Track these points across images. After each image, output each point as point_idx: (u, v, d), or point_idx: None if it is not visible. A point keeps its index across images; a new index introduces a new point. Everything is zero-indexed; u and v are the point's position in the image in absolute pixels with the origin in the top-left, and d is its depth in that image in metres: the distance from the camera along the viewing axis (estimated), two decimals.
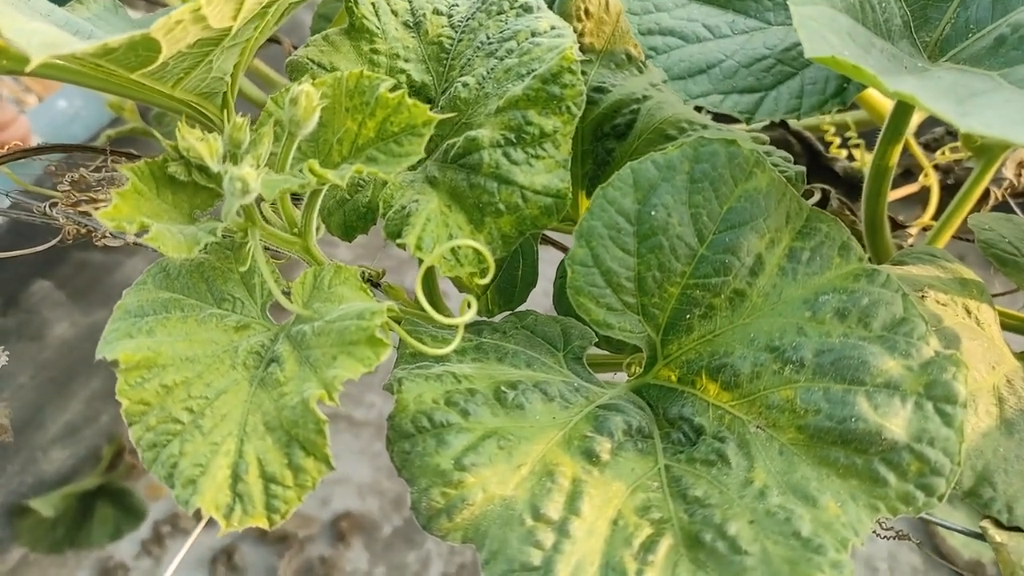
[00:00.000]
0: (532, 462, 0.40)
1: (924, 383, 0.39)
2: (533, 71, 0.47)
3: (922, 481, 0.38)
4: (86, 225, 0.61)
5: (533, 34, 0.49)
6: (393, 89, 0.43)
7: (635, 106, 0.60)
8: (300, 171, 0.42)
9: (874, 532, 0.56)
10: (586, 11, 0.64)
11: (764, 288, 0.44)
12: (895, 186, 0.92)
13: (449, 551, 1.22)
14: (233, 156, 0.42)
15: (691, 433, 0.43)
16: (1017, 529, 0.43)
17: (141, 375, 0.40)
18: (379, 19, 0.54)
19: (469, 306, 0.42)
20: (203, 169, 0.42)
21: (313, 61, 0.53)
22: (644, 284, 0.45)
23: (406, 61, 0.53)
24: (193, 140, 0.41)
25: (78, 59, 0.43)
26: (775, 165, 0.53)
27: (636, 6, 0.51)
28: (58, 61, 0.49)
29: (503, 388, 0.43)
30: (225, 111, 0.57)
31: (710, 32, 0.48)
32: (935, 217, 0.85)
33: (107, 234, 0.60)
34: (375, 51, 0.53)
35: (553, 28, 0.49)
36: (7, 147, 0.80)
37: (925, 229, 0.81)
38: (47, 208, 0.60)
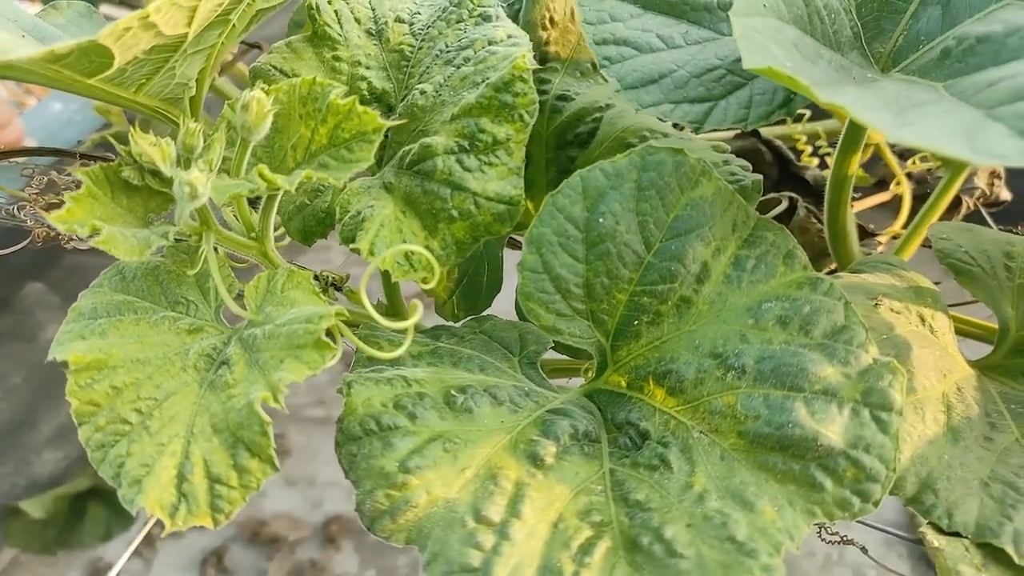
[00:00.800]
0: (477, 465, 0.41)
1: (861, 390, 0.40)
2: (487, 79, 0.48)
3: (858, 487, 0.39)
4: (53, 228, 0.61)
5: (490, 43, 0.50)
6: (346, 96, 0.43)
7: (598, 114, 0.61)
8: (252, 176, 0.43)
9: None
10: (551, 20, 0.64)
11: (710, 295, 0.45)
12: (869, 194, 0.93)
13: None
14: (186, 161, 0.43)
15: (637, 438, 0.44)
16: (956, 535, 0.43)
17: (91, 376, 0.41)
18: (341, 26, 0.55)
19: (416, 310, 0.42)
20: (156, 173, 0.43)
21: (276, 68, 0.54)
22: (593, 290, 0.46)
23: (367, 68, 0.54)
24: (146, 145, 0.41)
25: (36, 64, 0.44)
26: (732, 174, 0.54)
27: (592, 15, 0.52)
28: (22, 65, 0.50)
29: (453, 392, 0.44)
30: (191, 116, 0.57)
31: (663, 42, 0.49)
32: (906, 226, 0.86)
33: (73, 237, 0.60)
34: (337, 58, 0.54)
35: (510, 37, 0.50)
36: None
37: (895, 237, 0.82)
38: (15, 210, 0.61)
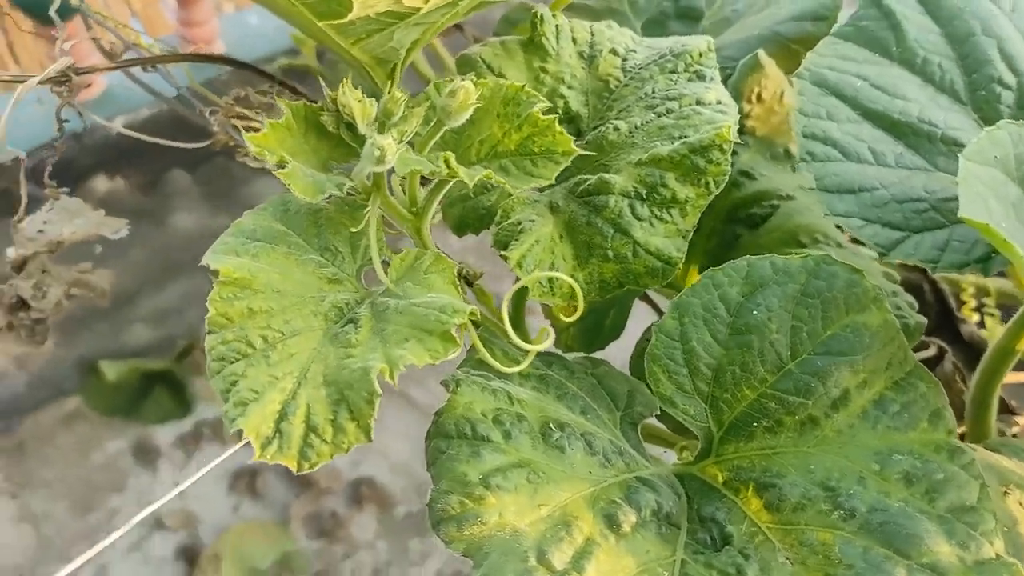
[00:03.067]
0: (554, 506, 0.40)
1: None
2: (685, 137, 0.47)
3: None
4: (235, 140, 0.65)
5: (698, 102, 0.49)
6: (547, 112, 0.43)
7: (776, 202, 0.59)
8: (436, 158, 0.44)
9: None
10: (759, 96, 0.63)
11: (840, 424, 0.43)
12: (1019, 369, 0.87)
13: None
14: (381, 124, 0.44)
15: (718, 538, 0.42)
16: None
17: (234, 292, 0.42)
18: (558, 41, 0.56)
19: (546, 336, 0.42)
20: (351, 127, 0.44)
21: (484, 61, 0.55)
22: (722, 377, 0.44)
23: (569, 88, 0.54)
24: (352, 99, 0.43)
25: None
26: (897, 308, 0.51)
27: (809, 107, 0.51)
28: None
29: (551, 425, 0.43)
30: (391, 80, 0.59)
31: (873, 156, 0.47)
32: None
33: (249, 154, 0.63)
34: (544, 70, 0.55)
35: (719, 103, 0.49)
36: (194, 46, 0.86)
37: None
38: (208, 113, 0.65)
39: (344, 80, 0.43)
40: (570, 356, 0.55)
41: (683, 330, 0.45)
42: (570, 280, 0.43)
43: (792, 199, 0.60)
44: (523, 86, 0.43)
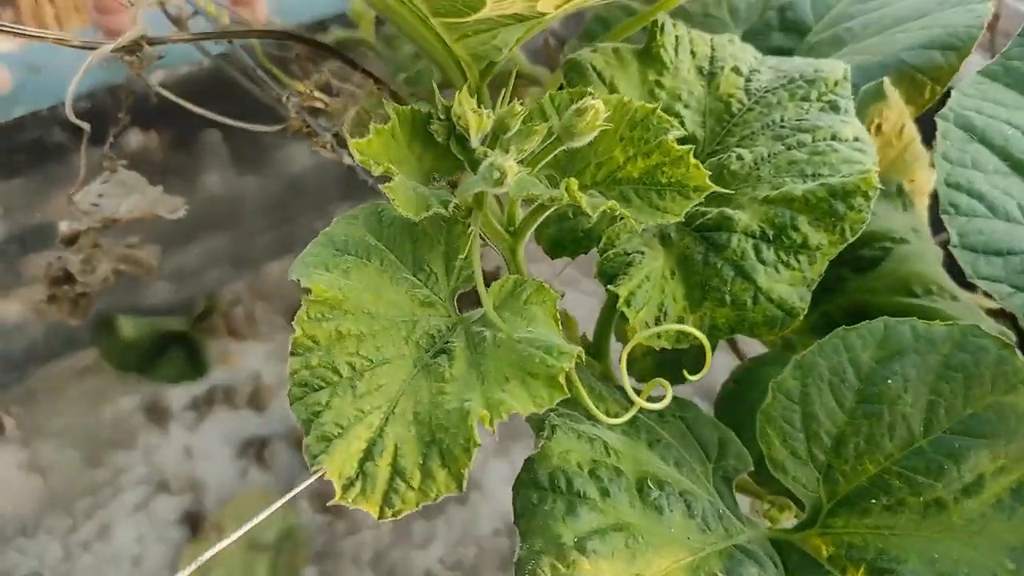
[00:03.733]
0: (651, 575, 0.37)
1: None
2: (821, 176, 0.43)
3: None
4: (311, 127, 0.61)
5: (834, 137, 0.45)
6: (682, 141, 0.39)
7: (888, 244, 0.55)
8: (553, 179, 0.40)
9: None
10: (879, 127, 0.59)
11: (970, 512, 0.39)
12: None
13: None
14: (494, 139, 0.40)
15: None
16: None
17: (323, 311, 0.39)
18: (677, 54, 0.51)
19: (660, 390, 0.38)
20: (462, 140, 0.41)
21: (595, 69, 0.50)
22: (843, 447, 0.41)
23: (685, 107, 0.50)
24: (468, 109, 0.39)
25: None
26: None
27: (953, 153, 0.46)
28: None
29: (649, 483, 0.40)
30: (484, 79, 0.55)
31: (1023, 215, 0.43)
32: None
33: (326, 145, 0.60)
34: (659, 84, 0.50)
35: (856, 140, 0.45)
36: (236, 8, 0.82)
37: None
38: (286, 97, 0.61)
39: (460, 89, 0.39)
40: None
41: (805, 392, 0.41)
42: (698, 333, 0.39)
43: (905, 242, 0.56)
44: (654, 108, 0.39)
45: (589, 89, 0.43)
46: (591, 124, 0.38)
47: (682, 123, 0.49)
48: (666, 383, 0.39)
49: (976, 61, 0.58)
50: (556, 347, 0.37)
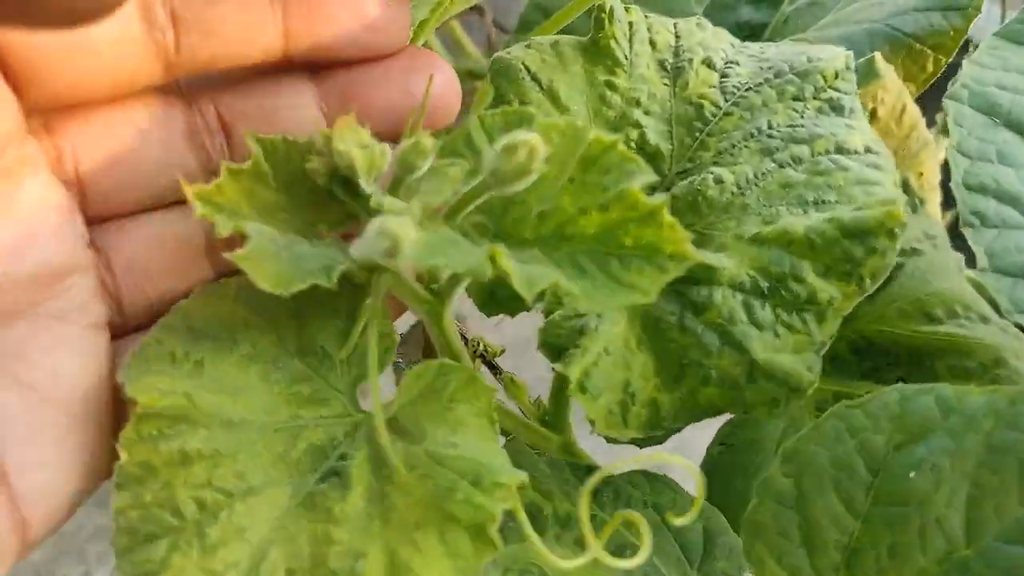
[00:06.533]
0: None
1: None
2: (827, 204, 0.33)
3: None
4: None
5: (839, 149, 0.35)
6: (646, 158, 0.29)
7: (899, 259, 0.45)
8: (484, 228, 0.29)
9: None
10: (873, 112, 0.49)
11: None
12: None
13: None
14: (396, 184, 0.30)
15: None
16: None
17: (160, 428, 0.28)
18: (631, 46, 0.41)
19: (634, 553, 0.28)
20: (348, 183, 0.30)
21: (529, 71, 0.40)
22: (859, 562, 0.31)
23: (646, 113, 0.39)
24: (352, 144, 0.28)
25: None
26: None
27: (971, 144, 0.37)
28: None
29: None
30: None
31: None
32: None
33: None
34: (611, 85, 0.40)
35: (868, 151, 0.35)
36: None
37: None
38: None
39: (341, 118, 0.28)
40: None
41: (802, 492, 0.31)
42: (681, 461, 0.29)
43: (919, 254, 0.46)
44: (614, 143, 0.28)
45: (529, 108, 0.33)
46: (525, 168, 0.27)
47: (643, 136, 0.39)
48: (640, 520, 0.29)
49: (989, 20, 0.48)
50: (487, 474, 0.27)
